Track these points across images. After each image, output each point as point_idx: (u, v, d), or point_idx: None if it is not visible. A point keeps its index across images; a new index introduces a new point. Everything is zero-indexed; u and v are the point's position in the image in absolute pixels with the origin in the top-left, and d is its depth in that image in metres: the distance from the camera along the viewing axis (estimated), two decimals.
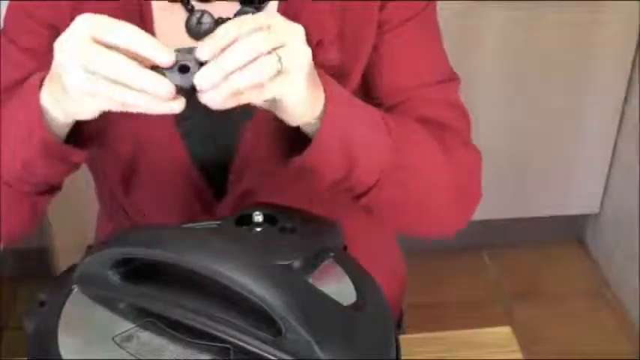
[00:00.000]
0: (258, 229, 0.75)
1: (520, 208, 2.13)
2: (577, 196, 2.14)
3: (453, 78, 0.91)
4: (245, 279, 0.62)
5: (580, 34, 1.89)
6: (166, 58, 0.64)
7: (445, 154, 0.83)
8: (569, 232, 2.25)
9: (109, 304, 0.68)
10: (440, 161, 0.83)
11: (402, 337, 0.85)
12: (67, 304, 0.69)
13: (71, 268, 0.71)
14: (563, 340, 1.93)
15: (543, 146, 2.05)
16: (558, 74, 1.94)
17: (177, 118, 0.84)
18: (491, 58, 1.89)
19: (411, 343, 0.92)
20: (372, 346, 0.67)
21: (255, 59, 0.65)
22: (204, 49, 0.65)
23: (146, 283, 0.68)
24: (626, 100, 1.99)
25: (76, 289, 0.69)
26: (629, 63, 1.94)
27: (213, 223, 0.78)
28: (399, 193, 0.81)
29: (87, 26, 0.65)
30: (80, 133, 0.77)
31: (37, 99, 0.72)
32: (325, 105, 0.73)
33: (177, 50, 0.66)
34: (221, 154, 0.88)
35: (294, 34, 0.68)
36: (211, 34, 0.65)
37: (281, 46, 0.66)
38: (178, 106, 0.65)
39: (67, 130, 0.75)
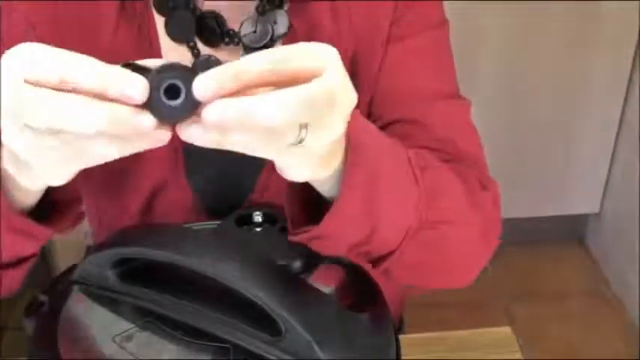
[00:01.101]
0: (258, 229, 0.75)
1: (520, 208, 2.13)
2: (577, 196, 2.14)
3: (463, 98, 0.85)
4: (245, 279, 0.62)
5: (580, 33, 1.89)
6: (137, 93, 0.45)
7: (470, 198, 0.74)
8: (569, 232, 2.25)
9: (109, 304, 0.68)
10: (466, 208, 0.73)
11: (402, 337, 0.85)
12: (67, 304, 0.69)
13: (71, 268, 0.71)
14: (563, 340, 1.93)
15: (543, 146, 2.05)
16: (558, 74, 1.94)
17: (187, 172, 0.82)
18: (490, 58, 1.89)
19: (411, 343, 0.91)
20: (372, 346, 0.67)
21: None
22: (206, 82, 0.46)
23: (146, 283, 0.68)
24: (626, 100, 1.99)
25: (76, 289, 0.69)
26: (629, 63, 1.94)
27: (213, 223, 0.78)
28: (424, 254, 0.71)
29: (17, 65, 0.47)
30: (56, 199, 0.64)
31: None
32: (347, 162, 0.58)
33: (166, 65, 0.48)
34: (234, 206, 0.83)
35: (338, 110, 0.50)
36: (228, 64, 0.46)
37: (314, 122, 0.49)
38: (165, 136, 0.48)
39: (37, 197, 0.61)
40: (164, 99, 0.46)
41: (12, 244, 0.63)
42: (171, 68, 0.46)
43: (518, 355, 0.94)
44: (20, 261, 0.67)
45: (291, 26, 0.78)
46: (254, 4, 0.77)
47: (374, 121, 0.81)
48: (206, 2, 0.77)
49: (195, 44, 0.78)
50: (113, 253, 0.67)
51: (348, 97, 0.50)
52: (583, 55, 1.92)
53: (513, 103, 1.97)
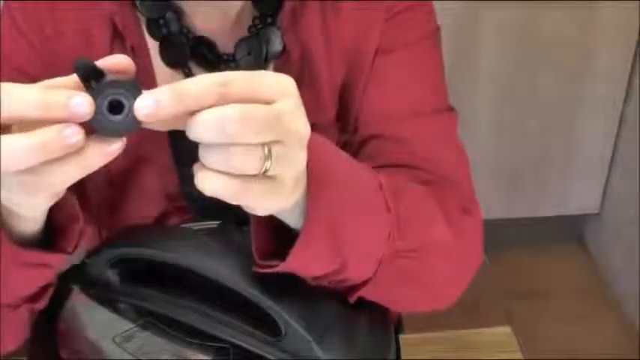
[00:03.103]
0: None
1: (520, 208, 2.13)
2: (577, 196, 2.14)
3: (450, 110, 0.82)
4: (245, 279, 0.62)
5: (580, 33, 1.89)
6: (83, 111, 0.45)
7: (448, 223, 0.72)
8: (569, 232, 2.25)
9: (109, 304, 0.68)
10: (444, 234, 0.71)
11: (402, 337, 0.85)
12: (67, 304, 0.69)
13: (71, 269, 0.71)
14: (563, 340, 1.93)
15: (543, 146, 2.05)
16: (558, 74, 1.94)
17: (186, 196, 0.79)
18: (490, 57, 1.89)
19: (411, 343, 0.92)
20: (372, 346, 0.67)
21: (232, 144, 0.46)
22: (146, 101, 0.46)
23: (146, 283, 0.68)
24: (626, 100, 1.99)
25: (76, 289, 0.69)
26: (629, 63, 1.94)
27: (213, 223, 0.78)
28: (400, 282, 0.69)
29: None
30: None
31: None
32: (310, 193, 0.56)
33: (112, 80, 0.47)
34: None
35: (294, 139, 0.49)
36: (171, 84, 0.47)
37: (277, 142, 0.48)
38: (115, 147, 0.47)
39: (38, 224, 0.59)
40: (107, 114, 0.46)
41: (28, 278, 0.63)
42: (117, 84, 0.47)
43: (518, 355, 0.94)
44: (40, 292, 0.65)
45: (285, 46, 0.76)
46: (247, 26, 0.77)
47: (356, 135, 0.79)
48: (199, 27, 0.76)
49: (190, 69, 0.77)
50: (113, 253, 0.67)
51: (301, 126, 0.50)
52: (583, 54, 1.92)
53: (513, 102, 1.97)
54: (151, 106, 0.45)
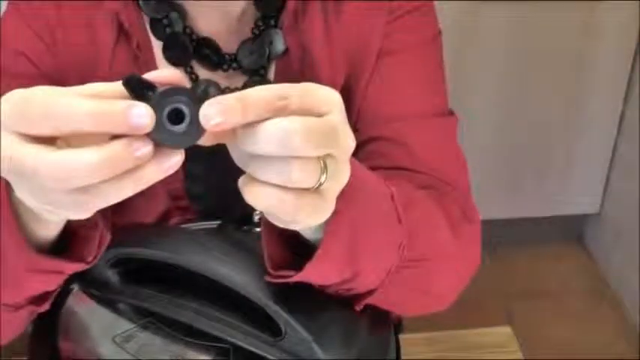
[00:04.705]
0: (258, 229, 0.75)
1: (519, 208, 2.13)
2: (577, 196, 2.14)
3: (451, 114, 0.82)
4: (245, 279, 0.62)
5: (580, 33, 1.89)
6: (144, 123, 0.42)
7: (452, 231, 0.71)
8: (569, 232, 2.25)
9: (109, 304, 0.68)
10: (448, 243, 0.71)
11: (402, 337, 0.85)
12: (67, 304, 0.69)
13: None
14: (563, 340, 1.93)
15: (543, 146, 2.05)
16: (558, 74, 1.94)
17: (190, 197, 0.80)
18: (491, 57, 1.89)
19: (411, 343, 0.92)
20: (372, 346, 0.67)
21: (293, 157, 0.45)
22: (214, 108, 0.43)
23: (146, 283, 0.68)
24: (626, 100, 1.99)
25: (76, 289, 0.69)
26: (629, 63, 1.94)
27: (213, 223, 0.78)
28: (404, 290, 0.69)
29: (7, 120, 0.44)
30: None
31: (8, 203, 0.52)
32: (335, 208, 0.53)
33: (171, 88, 0.43)
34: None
35: (343, 152, 0.49)
36: (235, 93, 0.44)
37: (330, 155, 0.47)
38: (177, 161, 0.44)
39: (59, 228, 0.57)
40: (167, 124, 0.42)
41: (38, 283, 0.61)
42: (176, 92, 0.43)
43: (519, 355, 0.94)
44: (45, 295, 0.64)
45: (287, 47, 0.77)
46: (250, 27, 0.77)
47: (356, 137, 0.79)
48: (202, 27, 0.77)
49: (193, 69, 0.78)
50: (113, 253, 0.67)
51: (350, 138, 0.49)
52: (583, 54, 1.92)
53: (513, 102, 1.97)
54: (220, 115, 0.42)
